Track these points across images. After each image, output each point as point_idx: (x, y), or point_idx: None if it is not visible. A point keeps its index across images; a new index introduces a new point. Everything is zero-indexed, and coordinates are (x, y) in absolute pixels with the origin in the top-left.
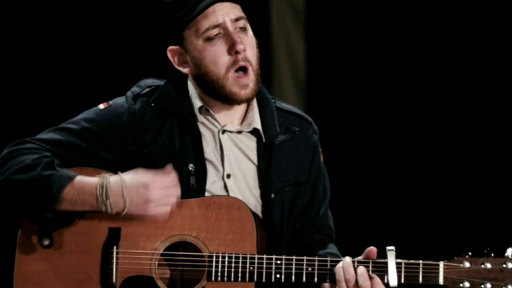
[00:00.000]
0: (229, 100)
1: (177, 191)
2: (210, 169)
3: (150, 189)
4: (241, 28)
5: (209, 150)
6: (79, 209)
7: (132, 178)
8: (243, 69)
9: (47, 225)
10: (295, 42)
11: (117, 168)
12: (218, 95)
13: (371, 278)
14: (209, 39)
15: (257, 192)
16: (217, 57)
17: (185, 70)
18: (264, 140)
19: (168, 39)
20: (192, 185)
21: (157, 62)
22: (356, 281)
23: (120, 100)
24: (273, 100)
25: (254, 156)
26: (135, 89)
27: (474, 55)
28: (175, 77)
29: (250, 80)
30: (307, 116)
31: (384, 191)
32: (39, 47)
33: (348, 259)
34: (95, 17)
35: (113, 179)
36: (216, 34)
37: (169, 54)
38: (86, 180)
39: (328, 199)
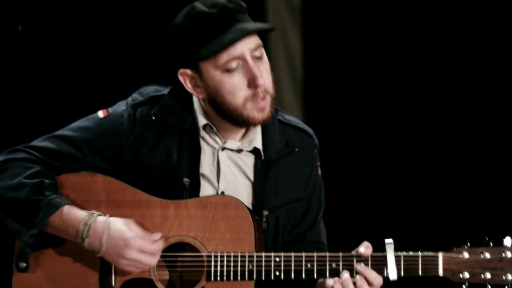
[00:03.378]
0: (246, 124)
1: (153, 261)
2: (205, 185)
3: (128, 247)
4: (258, 57)
5: (206, 166)
6: (61, 236)
7: (117, 228)
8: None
9: (26, 249)
10: (292, 39)
11: (112, 176)
12: (234, 120)
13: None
14: (228, 71)
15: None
16: (236, 89)
17: (199, 95)
18: (262, 158)
19: (180, 62)
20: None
21: (159, 65)
22: None
23: (120, 108)
24: (276, 111)
25: (251, 173)
26: (136, 96)
27: (474, 55)
28: (178, 88)
29: (267, 103)
30: (308, 130)
31: (381, 185)
32: (39, 50)
33: (346, 274)
34: (96, 20)
35: (99, 220)
36: (235, 67)
37: (180, 77)
38: (73, 213)
39: (322, 213)
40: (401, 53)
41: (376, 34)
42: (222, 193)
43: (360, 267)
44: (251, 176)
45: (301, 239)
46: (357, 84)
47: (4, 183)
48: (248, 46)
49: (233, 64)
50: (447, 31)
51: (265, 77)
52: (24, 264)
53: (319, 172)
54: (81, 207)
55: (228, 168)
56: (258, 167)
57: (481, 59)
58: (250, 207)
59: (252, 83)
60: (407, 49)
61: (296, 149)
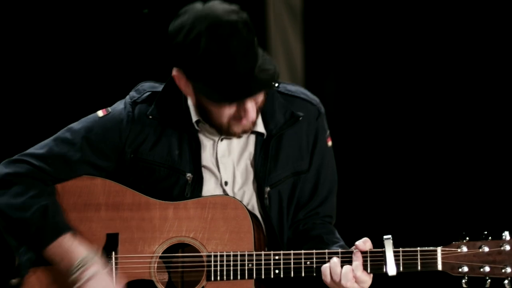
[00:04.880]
0: (227, 134)
1: None
2: (208, 177)
3: None
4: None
5: (207, 159)
6: (54, 263)
7: (97, 284)
8: None
9: (22, 270)
10: (293, 42)
11: (114, 174)
12: (217, 130)
13: (354, 277)
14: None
15: (254, 189)
16: (224, 116)
17: (188, 95)
18: (265, 137)
19: (175, 63)
20: (187, 194)
21: (155, 63)
22: (340, 281)
23: (119, 107)
24: (277, 85)
25: (252, 153)
26: (133, 94)
27: (474, 55)
28: (172, 85)
29: (251, 122)
30: (312, 99)
31: (380, 181)
32: (37, 50)
33: (335, 259)
34: (92, 20)
35: (93, 267)
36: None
37: (174, 76)
38: (74, 247)
39: (335, 186)
40: (401, 55)
41: (376, 36)
42: (226, 183)
43: (355, 258)
44: (252, 156)
45: (314, 214)
46: (357, 86)
47: (8, 200)
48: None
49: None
50: (447, 32)
51: (256, 109)
52: (17, 281)
53: (329, 143)
54: (81, 211)
55: (226, 157)
56: (259, 145)
57: (481, 59)
58: (253, 187)
59: (242, 118)
60: (407, 50)
61: (301, 118)
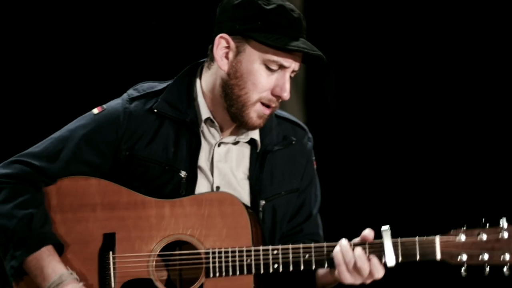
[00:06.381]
0: (239, 120)
1: None
2: (201, 179)
3: None
4: (291, 77)
5: (203, 160)
6: (32, 277)
7: None
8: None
9: (9, 273)
10: None
11: (108, 173)
12: (232, 112)
13: (369, 260)
14: (267, 67)
15: (248, 200)
16: (261, 85)
17: (221, 65)
18: (258, 149)
19: (225, 28)
20: (182, 192)
21: (154, 65)
22: (355, 263)
23: (114, 103)
24: None
25: (247, 164)
26: (131, 92)
27: (473, 55)
28: (180, 82)
29: (268, 114)
30: (302, 124)
31: (377, 173)
32: (33, 50)
33: (345, 241)
34: (90, 22)
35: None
36: (274, 70)
37: (216, 41)
38: (52, 264)
39: (318, 206)
40: (401, 53)
41: (377, 35)
42: (218, 188)
43: (357, 251)
44: (247, 168)
45: (299, 231)
46: (357, 84)
47: None
48: (296, 65)
49: (274, 67)
50: (447, 31)
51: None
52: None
53: (315, 166)
54: (77, 211)
55: (223, 163)
56: (254, 157)
57: (481, 59)
58: (247, 198)
59: (278, 91)
60: (407, 49)
61: (294, 142)
